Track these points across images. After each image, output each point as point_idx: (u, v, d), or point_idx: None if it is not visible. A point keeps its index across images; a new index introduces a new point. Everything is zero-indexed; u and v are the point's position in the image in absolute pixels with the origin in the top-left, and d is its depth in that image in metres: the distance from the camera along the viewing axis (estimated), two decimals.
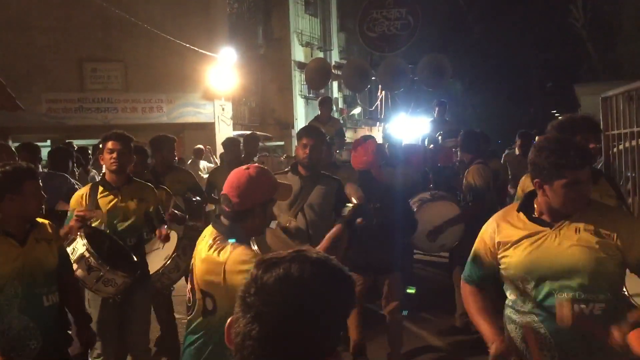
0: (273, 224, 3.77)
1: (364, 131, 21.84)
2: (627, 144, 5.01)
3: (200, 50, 13.93)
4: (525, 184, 4.28)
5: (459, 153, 7.36)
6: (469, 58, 31.62)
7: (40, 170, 5.87)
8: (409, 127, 11.26)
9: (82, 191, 4.21)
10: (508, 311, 2.54)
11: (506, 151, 8.56)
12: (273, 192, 2.58)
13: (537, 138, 4.32)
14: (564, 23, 25.21)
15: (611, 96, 5.18)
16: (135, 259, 3.95)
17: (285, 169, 4.44)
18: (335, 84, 22.72)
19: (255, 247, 2.58)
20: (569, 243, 2.34)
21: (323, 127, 9.05)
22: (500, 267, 2.52)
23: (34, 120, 12.89)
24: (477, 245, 2.63)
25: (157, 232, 4.27)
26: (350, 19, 23.73)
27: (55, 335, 3.16)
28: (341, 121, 16.01)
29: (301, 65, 20.63)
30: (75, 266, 3.48)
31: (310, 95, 21.53)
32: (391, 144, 7.01)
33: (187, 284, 2.59)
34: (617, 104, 5.09)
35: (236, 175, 2.54)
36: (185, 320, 2.57)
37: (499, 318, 2.58)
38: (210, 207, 7.34)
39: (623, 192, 4.38)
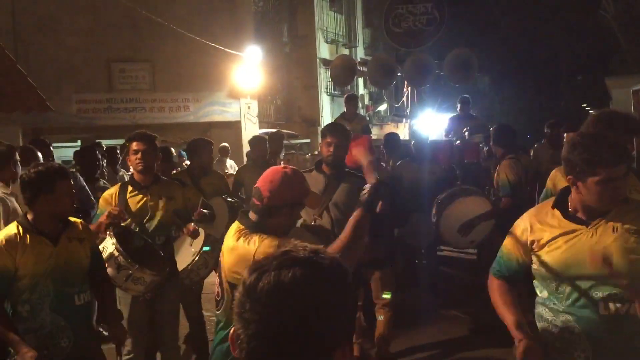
0: (297, 223, 3.78)
1: (390, 128, 21.75)
2: None
3: (226, 49, 14.01)
4: (557, 177, 4.20)
5: (485, 149, 7.27)
6: (496, 52, 31.20)
7: None
8: (435, 123, 11.18)
9: (112, 191, 4.27)
10: (540, 309, 2.50)
11: (535, 145, 8.41)
12: (303, 197, 2.63)
13: (566, 133, 4.23)
14: (593, 14, 24.68)
15: None
16: (164, 257, 4.00)
17: (310, 167, 4.42)
18: (360, 81, 22.64)
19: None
20: (607, 242, 2.29)
21: (349, 125, 9.03)
22: (532, 264, 2.48)
23: (64, 121, 13.13)
24: (508, 240, 2.58)
25: (184, 229, 4.32)
26: (375, 15, 23.64)
27: (86, 333, 3.22)
28: (367, 118, 15.95)
29: (326, 63, 20.61)
30: (105, 265, 3.54)
31: (336, 92, 21.50)
32: (417, 140, 6.95)
33: (217, 279, 2.63)
34: None
35: (272, 171, 2.61)
36: (214, 318, 2.60)
37: (527, 314, 2.54)
38: None
39: None
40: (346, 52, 22.23)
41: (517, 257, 2.53)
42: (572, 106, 34.03)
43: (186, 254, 4.60)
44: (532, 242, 2.45)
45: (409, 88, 12.92)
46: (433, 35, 12.01)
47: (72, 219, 3.28)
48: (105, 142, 9.14)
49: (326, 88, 21.60)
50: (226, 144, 11.56)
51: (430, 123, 12.26)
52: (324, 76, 21.11)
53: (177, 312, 4.41)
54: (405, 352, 5.22)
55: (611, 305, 2.28)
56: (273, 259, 1.15)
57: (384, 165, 6.87)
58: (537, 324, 2.52)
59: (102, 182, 5.97)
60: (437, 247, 7.09)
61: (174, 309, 4.33)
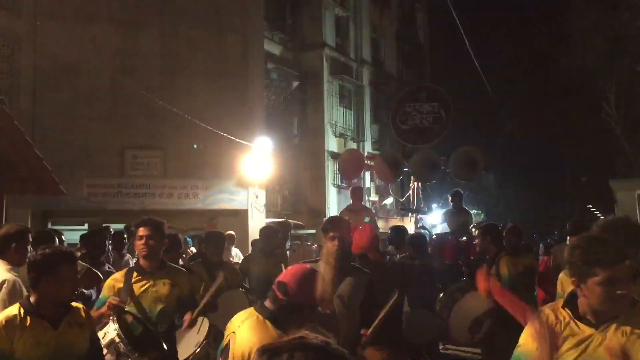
0: None
1: (396, 221, 21.78)
2: None
3: (237, 139, 14.35)
4: (564, 280, 4.19)
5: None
6: (502, 150, 31.78)
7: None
8: (440, 218, 11.21)
9: (117, 276, 4.26)
10: None
11: (554, 245, 8.38)
12: (320, 300, 2.67)
13: (569, 236, 4.26)
14: (597, 118, 25.33)
15: None
16: (165, 347, 3.92)
17: (317, 258, 4.42)
18: (367, 174, 22.96)
19: None
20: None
21: (355, 217, 9.10)
22: None
23: (74, 204, 13.25)
24: (524, 337, 2.54)
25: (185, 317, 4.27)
26: (383, 112, 24.33)
27: None
28: (373, 211, 16.03)
29: (334, 155, 21.00)
30: (104, 350, 3.48)
31: (343, 184, 21.75)
32: (416, 236, 6.91)
33: None
34: None
35: (303, 269, 2.65)
36: None
37: None
38: None
39: None
40: (354, 146, 22.68)
41: (532, 356, 2.46)
42: (578, 207, 34.14)
43: (189, 343, 4.51)
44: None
45: (415, 183, 13.10)
46: (439, 133, 12.35)
47: (74, 304, 3.27)
48: (113, 227, 9.19)
49: (333, 180, 21.88)
50: (232, 232, 11.58)
51: (436, 218, 12.32)
52: (331, 168, 21.44)
53: None
54: None
55: None
56: (286, 343, 1.18)
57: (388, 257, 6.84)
58: None
59: (107, 266, 5.97)
60: (442, 346, 6.93)
61: None
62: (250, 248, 10.37)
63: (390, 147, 22.08)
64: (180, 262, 6.09)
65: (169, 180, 14.61)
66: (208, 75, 14.95)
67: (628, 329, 2.26)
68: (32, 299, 3.09)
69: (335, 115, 22.41)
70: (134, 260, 6.68)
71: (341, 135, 22.74)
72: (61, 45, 13.55)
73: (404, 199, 15.96)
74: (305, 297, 2.54)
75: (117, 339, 3.53)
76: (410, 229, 12.81)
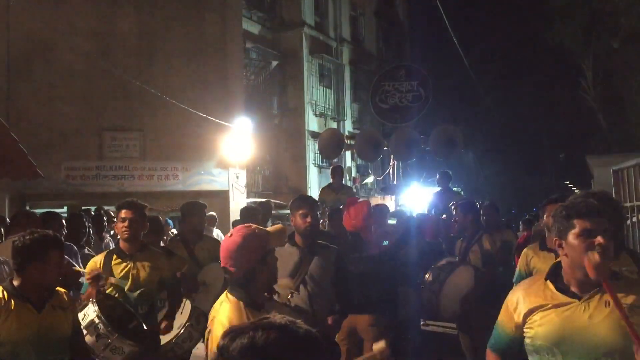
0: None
1: (376, 200, 21.90)
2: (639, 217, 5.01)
3: (217, 120, 14.27)
4: (528, 255, 4.25)
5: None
6: (481, 128, 32.00)
7: None
8: (420, 196, 11.30)
9: (97, 259, 4.28)
10: None
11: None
12: (266, 244, 2.60)
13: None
14: (574, 94, 25.61)
15: (623, 169, 5.23)
16: (145, 328, 3.94)
17: None
18: (348, 154, 22.99)
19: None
20: (599, 317, 2.27)
21: (336, 195, 9.14)
22: (525, 338, 2.46)
23: (52, 187, 13.12)
24: (502, 313, 2.58)
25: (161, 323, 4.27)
26: (363, 91, 24.29)
27: None
28: (354, 189, 16.10)
29: (315, 135, 20.97)
30: (84, 332, 3.49)
31: (324, 164, 21.78)
32: (400, 216, 6.97)
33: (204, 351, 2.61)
34: (629, 176, 5.13)
35: (225, 245, 2.61)
36: None
37: None
38: None
39: None
40: (334, 125, 22.66)
41: (511, 331, 2.52)
42: (556, 183, 34.63)
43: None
44: (524, 313, 2.44)
45: (395, 162, 13.17)
46: (418, 111, 12.38)
47: (57, 288, 3.27)
48: (93, 210, 9.11)
49: (314, 160, 21.89)
50: (213, 213, 11.56)
51: (416, 197, 12.42)
52: (312, 148, 21.43)
53: None
54: None
55: None
56: (250, 324, 1.16)
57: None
58: None
59: (87, 249, 5.93)
60: (423, 322, 7.02)
61: None
62: (231, 229, 10.38)
63: (370, 126, 22.11)
64: (162, 244, 6.07)
65: (149, 162, 14.50)
66: (186, 54, 14.78)
67: (611, 299, 2.24)
68: (15, 283, 3.08)
69: (315, 94, 22.34)
70: (114, 242, 6.67)
71: (321, 114, 22.69)
72: (35, 24, 13.28)
73: (381, 178, 16.05)
74: (245, 264, 2.52)
75: (96, 320, 3.55)
76: (391, 207, 12.88)
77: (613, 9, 21.94)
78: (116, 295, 4.09)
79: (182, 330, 4.45)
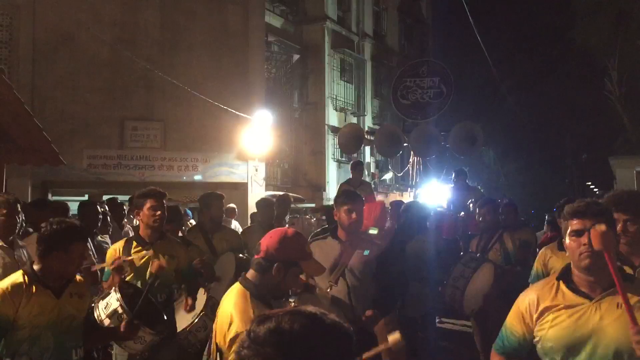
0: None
1: (395, 196, 21.85)
2: None
3: (237, 112, 14.32)
4: (546, 255, 4.20)
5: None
6: (502, 126, 31.69)
7: None
8: (439, 193, 11.24)
9: (117, 246, 4.33)
10: None
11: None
12: (299, 257, 2.62)
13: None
14: (598, 95, 25.23)
15: None
16: (165, 317, 3.97)
17: (324, 234, 4.42)
18: (367, 149, 22.94)
19: None
20: (610, 319, 2.26)
21: None
22: (536, 339, 2.44)
23: (74, 175, 13.29)
24: (512, 315, 2.55)
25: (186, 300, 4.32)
26: (384, 86, 24.21)
27: None
28: (372, 185, 16.07)
29: (335, 130, 20.96)
30: (107, 321, 3.49)
31: (343, 159, 21.76)
32: (416, 212, 6.87)
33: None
34: None
35: (275, 230, 2.70)
36: None
37: None
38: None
39: None
40: (354, 120, 22.63)
41: (520, 333, 2.49)
42: (577, 184, 34.20)
43: (187, 315, 4.57)
44: (536, 315, 2.43)
45: (415, 158, 13.11)
46: (439, 108, 12.32)
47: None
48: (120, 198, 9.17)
49: (333, 154, 21.88)
50: (233, 205, 11.62)
51: (435, 193, 12.35)
52: (331, 142, 21.43)
53: None
54: None
55: None
56: (279, 310, 1.20)
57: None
58: None
59: (99, 236, 5.98)
60: (438, 319, 6.99)
61: None
62: (249, 221, 10.43)
63: (390, 122, 22.02)
64: (180, 234, 6.12)
65: (169, 153, 14.61)
66: (208, 46, 14.84)
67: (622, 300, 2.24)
68: (36, 267, 3.10)
69: (335, 89, 22.30)
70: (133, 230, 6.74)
71: (341, 109, 22.66)
72: (60, 15, 13.44)
73: (401, 174, 15.99)
74: (275, 253, 2.56)
75: (120, 310, 3.54)
76: None
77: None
78: (136, 282, 4.13)
79: (196, 320, 4.48)
